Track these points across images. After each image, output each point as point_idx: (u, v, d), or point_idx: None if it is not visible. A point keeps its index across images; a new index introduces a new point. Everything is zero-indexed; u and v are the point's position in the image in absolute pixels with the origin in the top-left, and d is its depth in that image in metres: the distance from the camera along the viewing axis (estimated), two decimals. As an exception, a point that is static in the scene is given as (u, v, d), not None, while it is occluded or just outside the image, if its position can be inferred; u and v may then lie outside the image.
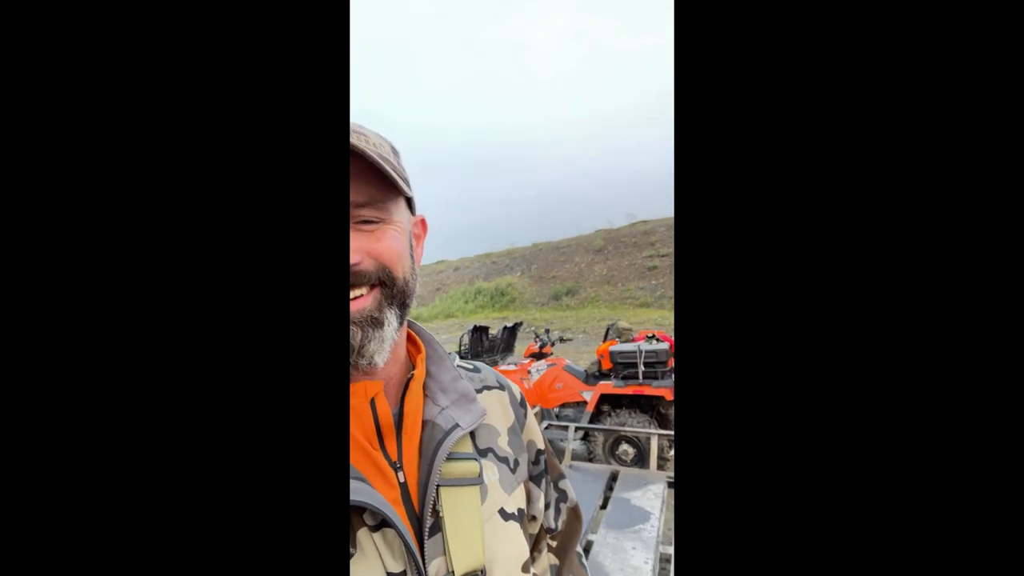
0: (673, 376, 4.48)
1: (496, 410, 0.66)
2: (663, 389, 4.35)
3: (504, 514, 0.58)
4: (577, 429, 4.27)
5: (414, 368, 0.60)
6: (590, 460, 4.30)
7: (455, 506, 0.53)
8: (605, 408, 4.62)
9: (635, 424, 4.35)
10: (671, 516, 2.69)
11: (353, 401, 0.53)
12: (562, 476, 0.72)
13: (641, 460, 4.07)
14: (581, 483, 2.98)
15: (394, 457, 0.54)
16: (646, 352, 4.51)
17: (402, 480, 0.53)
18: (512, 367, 5.33)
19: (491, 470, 0.60)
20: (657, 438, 3.51)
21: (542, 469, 0.68)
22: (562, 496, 0.72)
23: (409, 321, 0.62)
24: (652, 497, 2.84)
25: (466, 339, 5.86)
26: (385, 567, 0.48)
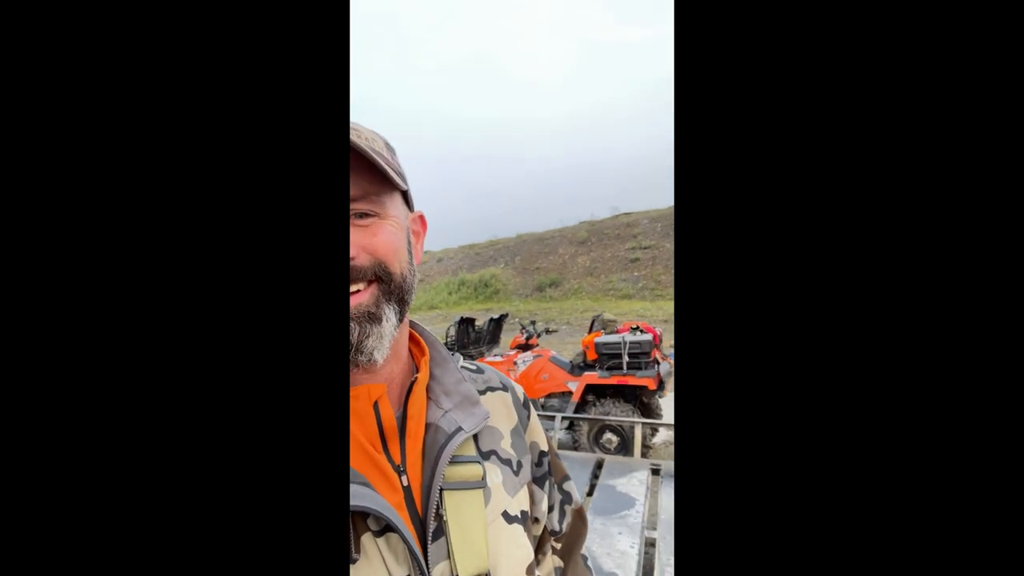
0: (656, 366, 4.57)
1: (499, 412, 0.65)
2: (646, 379, 4.43)
3: (507, 517, 0.58)
4: (563, 419, 4.33)
5: (417, 371, 0.59)
6: (575, 449, 4.37)
7: (458, 510, 0.53)
8: (590, 398, 4.69)
9: (619, 413, 4.43)
10: (655, 502, 2.77)
11: (356, 404, 0.52)
12: (567, 478, 0.72)
13: (625, 448, 4.16)
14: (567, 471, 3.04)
15: (397, 461, 0.54)
16: (630, 343, 4.59)
17: (405, 484, 0.53)
18: (498, 358, 5.37)
19: (494, 473, 0.59)
20: (641, 427, 3.60)
21: (545, 471, 0.68)
22: (566, 498, 0.71)
23: (412, 322, 0.62)
24: (636, 484, 2.92)
25: (452, 331, 5.88)
26: (389, 572, 0.48)
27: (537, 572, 0.64)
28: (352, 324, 0.49)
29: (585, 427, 4.42)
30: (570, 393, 4.77)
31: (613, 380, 4.56)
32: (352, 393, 0.52)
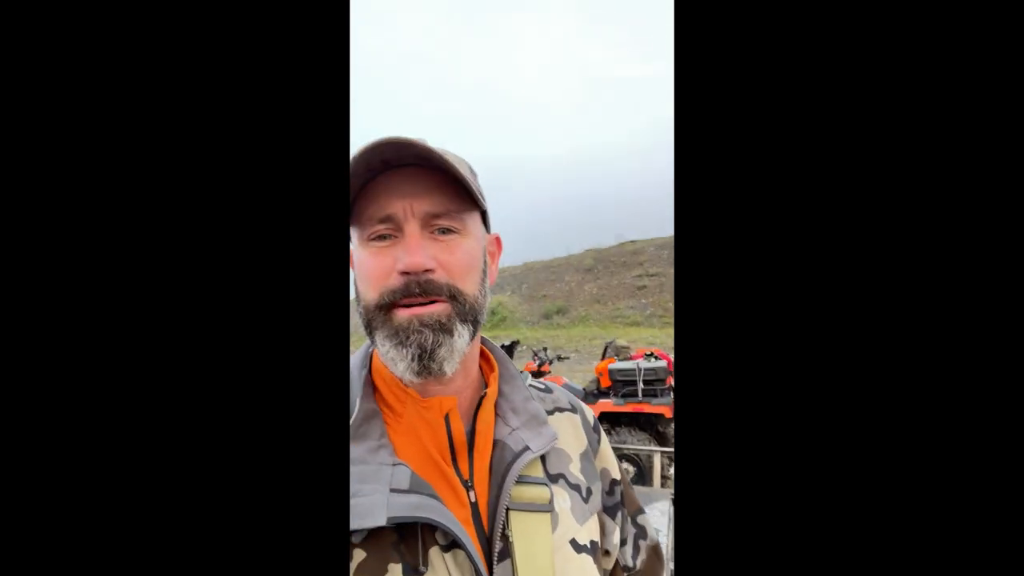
0: (672, 394, 4.51)
1: (568, 434, 0.63)
2: (662, 407, 4.37)
3: (576, 545, 0.56)
4: (578, 447, 4.24)
5: (487, 386, 0.59)
6: (591, 479, 4.27)
7: (525, 532, 0.52)
8: (604, 426, 4.62)
9: (635, 442, 4.35)
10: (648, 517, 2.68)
11: (428, 415, 0.53)
12: (640, 511, 0.69)
13: (641, 478, 4.06)
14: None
15: (466, 475, 0.53)
16: (645, 370, 4.54)
17: (473, 500, 0.52)
18: (510, 386, 5.30)
19: (562, 497, 0.57)
20: (660, 456, 3.52)
21: (617, 500, 0.65)
22: (641, 532, 0.68)
23: (483, 338, 0.61)
24: (658, 515, 2.83)
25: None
26: None
27: None
28: (425, 331, 0.50)
29: (600, 456, 4.33)
30: (584, 421, 4.69)
31: (628, 408, 4.50)
32: (423, 404, 0.52)
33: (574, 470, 0.61)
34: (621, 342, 5.40)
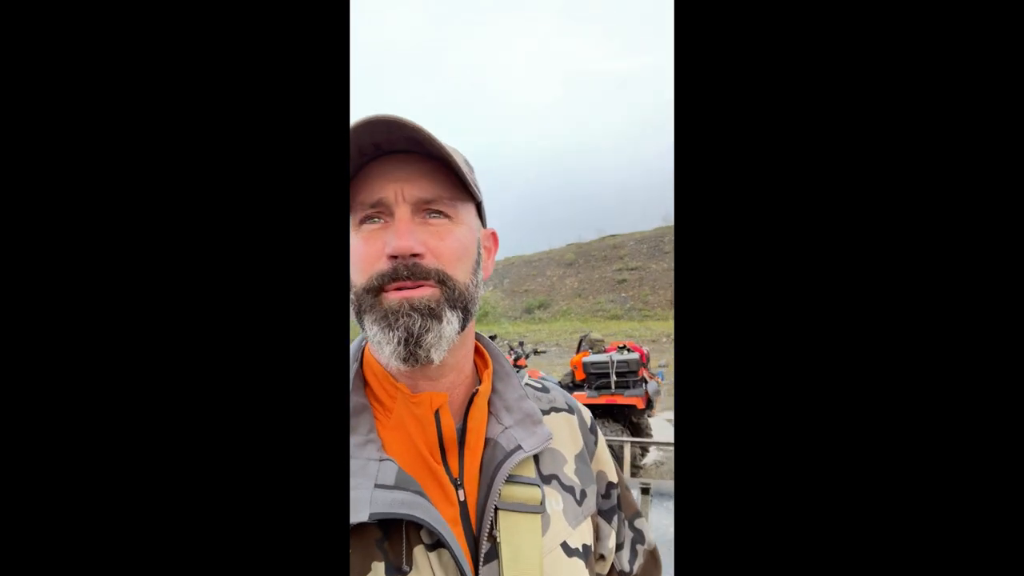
0: (643, 385, 4.61)
1: (564, 434, 0.61)
2: (635, 398, 4.46)
3: (567, 549, 0.54)
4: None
5: (480, 383, 0.58)
6: (565, 470, 4.35)
7: (513, 533, 0.51)
8: (579, 418, 4.68)
9: (608, 433, 4.44)
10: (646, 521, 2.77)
11: (417, 411, 0.52)
12: (638, 514, 0.67)
13: (615, 468, 4.15)
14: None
15: (455, 473, 0.52)
16: (618, 362, 4.63)
17: (462, 498, 0.51)
18: (487, 380, 5.35)
19: (555, 499, 0.56)
20: (630, 446, 3.61)
21: (614, 504, 0.63)
22: (638, 536, 0.66)
23: (478, 335, 0.60)
24: (626, 503, 2.92)
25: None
26: None
27: None
28: (413, 315, 0.49)
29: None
30: (559, 414, 4.76)
31: (602, 400, 4.58)
32: (413, 400, 0.52)
33: (568, 472, 0.59)
34: (595, 335, 5.48)
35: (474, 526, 0.51)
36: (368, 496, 0.46)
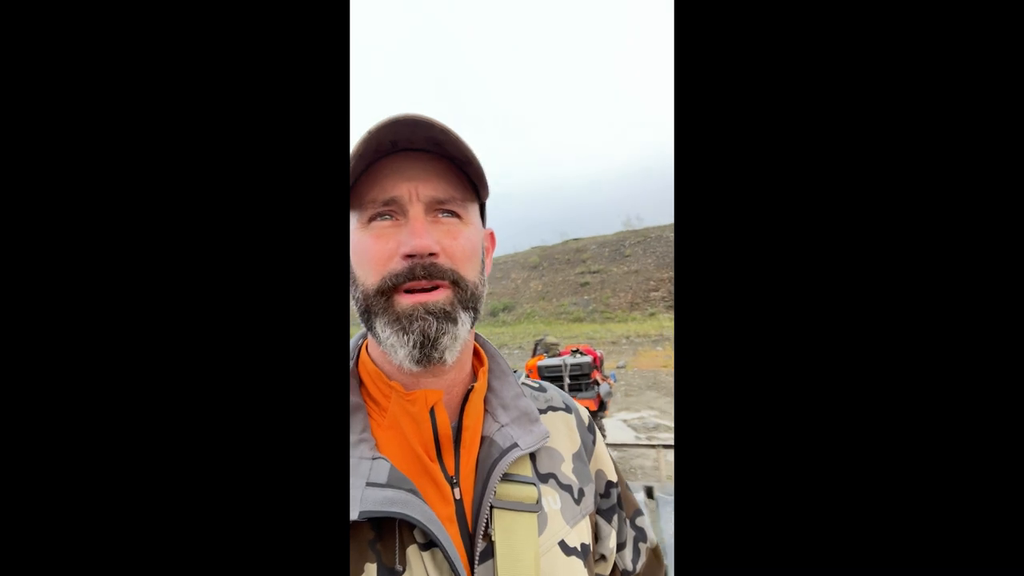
0: (595, 387, 4.74)
1: (561, 433, 0.61)
2: (587, 400, 4.59)
3: (565, 548, 0.53)
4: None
5: (476, 380, 0.57)
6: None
7: (509, 532, 0.50)
8: (534, 421, 4.77)
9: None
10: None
11: (412, 408, 0.51)
12: (639, 512, 0.66)
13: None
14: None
15: (451, 471, 0.51)
16: (571, 365, 4.74)
17: (458, 497, 0.51)
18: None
19: (552, 497, 0.55)
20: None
21: (614, 503, 0.62)
22: (640, 535, 0.65)
23: (475, 333, 0.59)
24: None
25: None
26: None
27: None
28: (430, 319, 0.48)
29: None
30: (515, 417, 4.84)
31: (555, 402, 4.67)
32: (408, 398, 0.51)
33: (566, 470, 0.58)
34: (551, 339, 5.60)
35: (470, 525, 0.50)
36: (359, 494, 0.46)
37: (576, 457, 0.60)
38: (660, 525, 2.53)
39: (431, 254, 0.48)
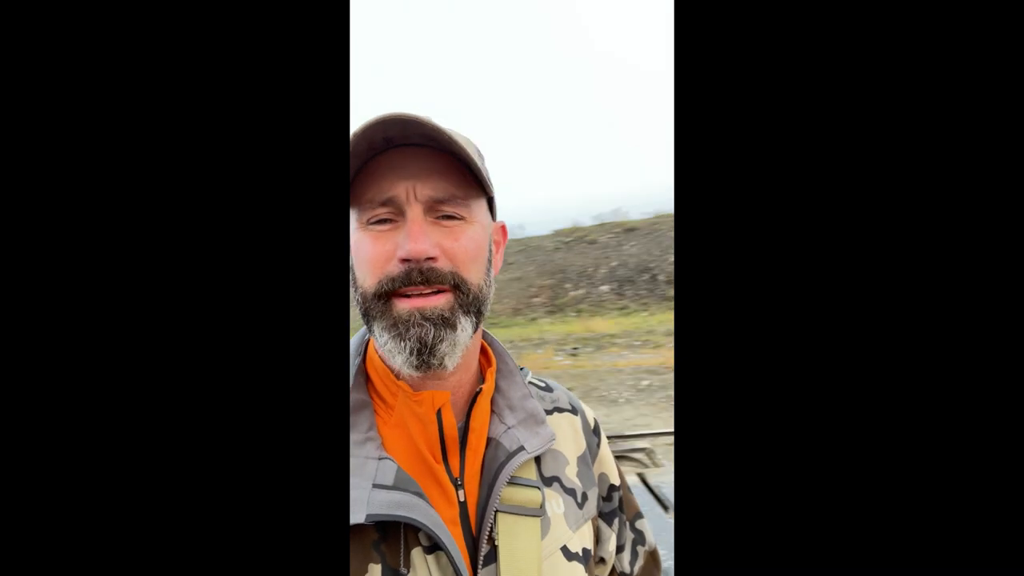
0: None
1: (566, 435, 0.61)
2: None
3: (567, 553, 0.54)
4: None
5: (483, 381, 0.56)
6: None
7: (512, 537, 0.50)
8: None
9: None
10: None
11: (419, 409, 0.50)
12: (639, 515, 0.66)
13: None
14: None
15: (456, 473, 0.51)
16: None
17: (462, 499, 0.51)
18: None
19: (556, 501, 0.55)
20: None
21: (615, 507, 0.63)
22: (639, 538, 0.65)
23: (484, 332, 0.59)
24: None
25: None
26: None
27: None
28: (426, 325, 0.47)
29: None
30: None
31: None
32: (415, 398, 0.50)
33: (570, 474, 0.58)
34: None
35: (474, 528, 0.50)
36: (366, 496, 0.45)
37: (581, 460, 0.60)
38: None
39: (429, 258, 0.47)
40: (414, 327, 0.48)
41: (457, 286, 0.49)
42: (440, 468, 0.50)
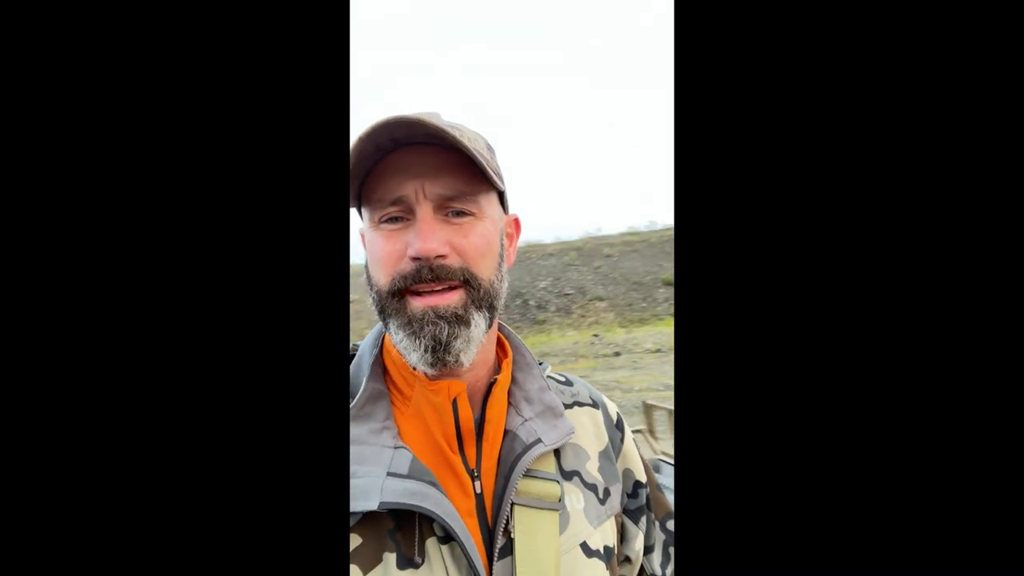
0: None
1: (587, 430, 0.59)
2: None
3: (587, 549, 0.52)
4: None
5: (499, 372, 0.56)
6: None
7: (529, 530, 0.49)
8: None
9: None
10: None
11: (435, 399, 0.50)
12: (671, 515, 0.64)
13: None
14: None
15: (472, 464, 0.51)
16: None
17: (479, 490, 0.50)
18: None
19: (575, 496, 0.54)
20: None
21: (642, 504, 0.61)
22: (671, 539, 0.63)
23: (500, 324, 0.58)
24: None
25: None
26: None
27: None
28: (440, 323, 0.48)
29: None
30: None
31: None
32: (431, 388, 0.50)
33: (591, 469, 0.57)
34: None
35: (490, 519, 0.49)
36: (380, 484, 0.45)
37: (603, 455, 0.59)
38: None
39: (440, 256, 0.48)
40: (428, 325, 0.48)
41: (468, 282, 0.50)
42: (456, 459, 0.50)
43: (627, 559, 0.60)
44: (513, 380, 0.57)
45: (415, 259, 0.48)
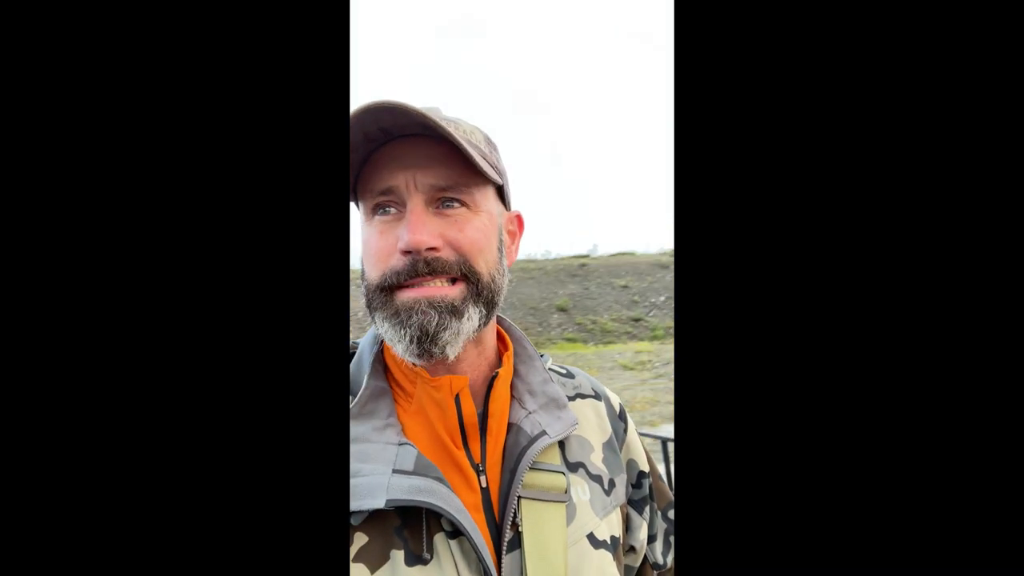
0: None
1: (591, 421, 0.59)
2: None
3: (594, 540, 0.52)
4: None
5: (500, 366, 0.55)
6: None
7: (537, 523, 0.49)
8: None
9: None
10: None
11: (438, 395, 0.49)
12: (671, 504, 0.64)
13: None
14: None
15: (477, 459, 0.50)
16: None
17: (484, 485, 0.50)
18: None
19: (581, 488, 0.54)
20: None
21: (645, 494, 0.61)
22: (672, 527, 0.63)
23: (499, 317, 0.58)
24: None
25: None
26: None
27: None
28: (432, 312, 0.46)
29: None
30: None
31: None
32: (433, 383, 0.50)
33: (596, 460, 0.57)
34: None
35: (496, 514, 0.49)
36: (385, 482, 0.44)
37: (607, 446, 0.59)
38: None
39: (431, 248, 0.47)
40: (417, 315, 0.47)
41: (466, 276, 0.49)
42: (460, 453, 0.49)
43: (632, 548, 0.60)
44: (515, 373, 0.57)
45: (406, 252, 0.47)
